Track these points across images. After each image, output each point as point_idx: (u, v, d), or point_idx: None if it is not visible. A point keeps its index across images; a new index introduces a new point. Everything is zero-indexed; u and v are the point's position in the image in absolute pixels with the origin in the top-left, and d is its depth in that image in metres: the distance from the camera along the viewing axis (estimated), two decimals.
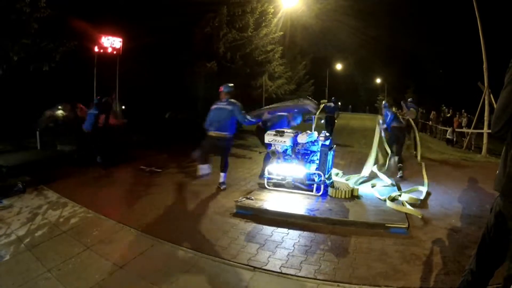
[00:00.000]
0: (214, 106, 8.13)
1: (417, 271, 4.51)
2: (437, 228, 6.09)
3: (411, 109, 14.41)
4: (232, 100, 8.07)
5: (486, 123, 16.26)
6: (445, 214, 6.88)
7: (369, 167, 9.94)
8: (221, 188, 8.17)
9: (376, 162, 10.41)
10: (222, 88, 8.10)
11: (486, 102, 16.38)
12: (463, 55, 40.83)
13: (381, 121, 11.24)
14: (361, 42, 63.61)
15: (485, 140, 16.28)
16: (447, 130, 21.56)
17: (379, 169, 10.11)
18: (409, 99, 16.72)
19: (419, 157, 12.21)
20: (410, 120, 12.97)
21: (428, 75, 56.09)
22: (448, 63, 50.90)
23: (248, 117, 8.09)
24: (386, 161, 10.82)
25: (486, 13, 17.17)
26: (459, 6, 31.59)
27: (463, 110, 22.46)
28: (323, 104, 15.00)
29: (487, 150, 16.02)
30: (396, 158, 10.34)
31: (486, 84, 16.38)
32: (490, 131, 10.73)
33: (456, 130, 20.84)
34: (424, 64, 56.48)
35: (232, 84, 8.29)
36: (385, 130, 11.04)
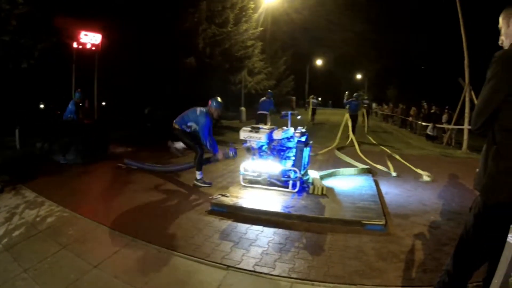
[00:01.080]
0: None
1: (394, 269, 4.49)
2: (415, 224, 6.11)
3: (364, 105, 25.19)
4: (206, 110, 8.20)
5: (466, 119, 16.48)
6: (424, 210, 6.93)
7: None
8: (194, 184, 8.32)
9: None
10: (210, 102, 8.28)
11: (467, 98, 16.59)
12: (445, 52, 41.13)
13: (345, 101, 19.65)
14: (342, 38, 63.87)
15: (465, 136, 16.58)
16: (427, 126, 21.77)
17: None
18: (365, 97, 28.84)
19: (366, 129, 21.71)
20: (364, 111, 24.01)
21: (410, 71, 56.33)
22: (430, 59, 51.17)
23: (208, 138, 8.01)
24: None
25: (468, 9, 17.36)
26: (441, 1, 31.82)
27: (447, 107, 22.60)
28: (311, 99, 31.25)
29: (468, 146, 16.28)
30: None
31: (467, 80, 16.60)
32: (470, 127, 11.16)
33: (437, 126, 21.05)
34: (405, 60, 56.67)
35: (220, 101, 8.35)
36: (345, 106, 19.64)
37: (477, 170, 2.77)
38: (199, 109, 8.22)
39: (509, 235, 2.26)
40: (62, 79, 15.46)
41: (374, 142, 17.96)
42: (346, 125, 18.20)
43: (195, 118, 8.15)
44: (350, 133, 17.31)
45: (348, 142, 16.38)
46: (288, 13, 36.46)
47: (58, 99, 14.37)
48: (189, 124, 8.21)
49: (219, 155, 8.30)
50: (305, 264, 4.57)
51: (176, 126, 8.33)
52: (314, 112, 30.64)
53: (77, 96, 11.32)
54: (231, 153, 8.52)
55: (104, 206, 6.83)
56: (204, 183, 8.29)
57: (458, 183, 9.41)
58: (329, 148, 14.54)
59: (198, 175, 8.30)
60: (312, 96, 32.63)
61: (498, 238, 2.48)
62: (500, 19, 2.84)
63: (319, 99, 37.89)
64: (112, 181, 8.72)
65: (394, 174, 9.68)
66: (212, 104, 8.19)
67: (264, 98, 16.98)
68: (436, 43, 47.26)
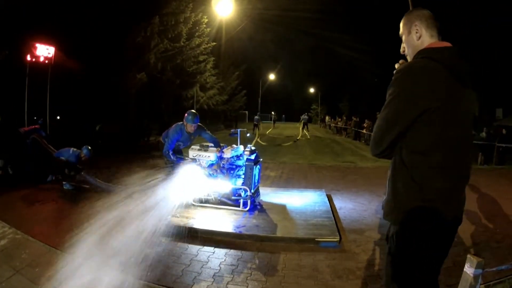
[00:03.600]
0: None
1: (350, 286, 4.46)
2: (371, 239, 6.11)
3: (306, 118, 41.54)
4: (180, 125, 7.96)
5: None
6: (379, 224, 6.93)
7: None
8: None
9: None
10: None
11: None
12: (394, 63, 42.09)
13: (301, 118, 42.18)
14: (296, 52, 64.90)
15: None
16: None
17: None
18: (305, 113, 43.19)
19: (299, 136, 31.20)
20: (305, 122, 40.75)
21: (363, 84, 57.29)
22: (383, 72, 52.26)
23: (168, 150, 7.82)
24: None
25: None
26: (396, 14, 32.74)
27: None
28: (272, 114, 59.56)
29: None
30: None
31: None
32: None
33: None
34: (358, 73, 57.64)
35: (193, 114, 7.93)
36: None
37: (385, 197, 2.56)
38: (177, 124, 8.02)
39: (466, 264, 2.22)
40: (15, 92, 15.09)
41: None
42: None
43: (169, 131, 8.00)
44: (300, 131, 34.73)
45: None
46: (242, 29, 36.72)
47: (11, 113, 13.95)
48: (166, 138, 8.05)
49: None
50: (258, 286, 4.48)
51: (160, 139, 8.36)
52: (274, 123, 50.52)
53: (85, 153, 10.28)
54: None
55: (55, 228, 6.62)
56: None
57: None
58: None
59: None
60: (273, 112, 56.75)
61: (424, 262, 2.40)
62: (401, 25, 2.61)
63: (273, 113, 55.51)
64: (63, 201, 8.45)
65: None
66: (185, 117, 7.84)
67: (257, 116, 38.16)
68: (389, 56, 48.21)
